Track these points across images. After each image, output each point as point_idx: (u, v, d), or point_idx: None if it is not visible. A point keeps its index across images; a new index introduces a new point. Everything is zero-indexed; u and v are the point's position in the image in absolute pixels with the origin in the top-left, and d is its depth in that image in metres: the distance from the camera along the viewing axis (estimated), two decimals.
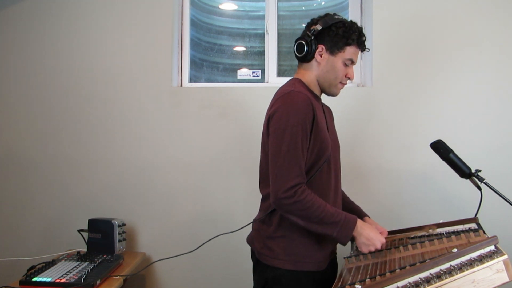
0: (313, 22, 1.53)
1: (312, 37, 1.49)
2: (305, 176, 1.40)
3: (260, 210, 1.61)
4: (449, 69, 2.20)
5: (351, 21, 1.52)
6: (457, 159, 1.61)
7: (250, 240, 1.60)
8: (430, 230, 1.53)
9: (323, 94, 1.60)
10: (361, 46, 1.52)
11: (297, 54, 1.53)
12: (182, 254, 1.69)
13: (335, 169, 1.57)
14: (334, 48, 1.49)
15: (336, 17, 1.50)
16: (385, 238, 1.51)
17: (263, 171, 1.55)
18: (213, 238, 1.64)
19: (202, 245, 1.63)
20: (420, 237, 1.53)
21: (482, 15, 2.19)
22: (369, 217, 1.69)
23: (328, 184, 1.51)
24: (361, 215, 1.69)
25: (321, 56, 1.50)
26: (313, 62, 1.52)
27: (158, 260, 1.84)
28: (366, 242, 1.42)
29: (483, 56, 2.18)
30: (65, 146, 2.38)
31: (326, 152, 1.46)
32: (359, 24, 1.94)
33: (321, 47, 1.49)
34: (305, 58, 1.52)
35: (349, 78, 1.54)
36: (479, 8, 2.19)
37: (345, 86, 1.57)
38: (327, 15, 1.53)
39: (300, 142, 1.37)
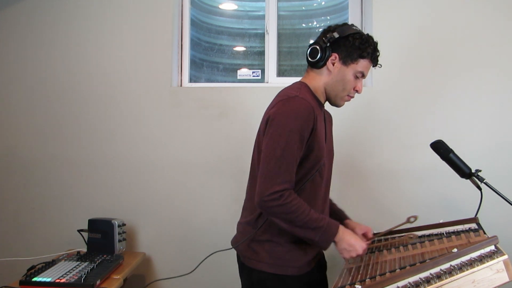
0: (330, 29, 1.51)
1: (327, 44, 1.46)
2: (293, 184, 1.38)
3: (244, 209, 1.59)
4: (449, 69, 2.20)
5: (367, 34, 1.50)
6: (457, 159, 1.61)
7: (235, 243, 1.57)
8: (411, 236, 1.53)
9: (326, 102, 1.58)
10: (374, 61, 1.51)
11: (309, 58, 1.50)
12: (180, 276, 1.62)
13: (327, 178, 1.56)
14: (347, 59, 1.46)
15: (354, 27, 1.49)
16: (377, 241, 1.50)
17: (254, 169, 1.53)
18: (210, 255, 1.56)
19: (199, 264, 1.57)
20: (420, 237, 1.53)
21: (481, 13, 2.19)
22: (350, 219, 1.70)
23: (318, 192, 1.50)
24: (343, 217, 1.69)
25: (333, 65, 1.48)
26: (324, 69, 1.49)
27: (156, 280, 1.81)
28: (348, 248, 1.42)
29: (483, 55, 2.18)
30: (65, 146, 2.38)
31: (319, 162, 1.45)
32: (359, 24, 1.94)
33: (334, 56, 1.47)
34: (316, 64, 1.49)
35: (356, 91, 1.52)
36: (478, 6, 2.19)
37: None
38: (345, 24, 1.51)
39: (295, 150, 1.35)
